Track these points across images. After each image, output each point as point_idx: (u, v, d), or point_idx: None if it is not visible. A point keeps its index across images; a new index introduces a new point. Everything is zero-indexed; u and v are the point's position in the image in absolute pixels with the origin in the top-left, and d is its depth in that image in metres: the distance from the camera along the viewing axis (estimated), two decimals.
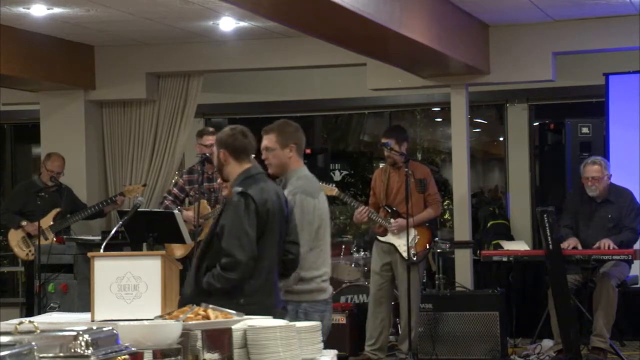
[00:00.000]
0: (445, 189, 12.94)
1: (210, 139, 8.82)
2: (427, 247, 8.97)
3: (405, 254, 8.78)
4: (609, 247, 8.81)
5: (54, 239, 9.53)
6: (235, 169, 5.46)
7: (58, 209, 9.74)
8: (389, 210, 8.97)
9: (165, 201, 9.08)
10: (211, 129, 8.98)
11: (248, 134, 5.50)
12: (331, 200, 12.02)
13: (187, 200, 9.20)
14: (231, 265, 5.20)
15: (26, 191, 9.99)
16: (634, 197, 9.24)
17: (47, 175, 9.98)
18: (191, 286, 5.37)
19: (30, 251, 9.66)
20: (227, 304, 4.84)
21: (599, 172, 9.01)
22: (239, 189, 5.30)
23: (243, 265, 5.19)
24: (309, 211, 5.83)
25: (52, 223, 9.69)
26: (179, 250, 8.87)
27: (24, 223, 9.73)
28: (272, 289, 5.43)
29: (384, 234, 8.99)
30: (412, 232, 8.72)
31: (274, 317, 4.39)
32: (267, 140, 5.86)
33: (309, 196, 5.85)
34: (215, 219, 5.41)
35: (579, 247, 8.95)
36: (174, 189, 9.11)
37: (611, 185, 9.21)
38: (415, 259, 8.72)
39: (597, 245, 8.88)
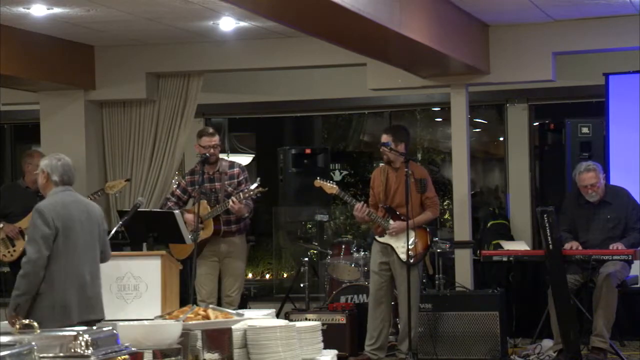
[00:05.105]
0: (445, 188, 12.95)
1: (208, 141, 8.83)
2: (425, 250, 8.96)
3: (402, 256, 8.77)
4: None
5: None
6: None
7: None
8: (387, 211, 8.95)
9: (169, 202, 9.05)
10: (211, 130, 8.96)
11: None
12: (331, 199, 12.07)
13: (190, 201, 9.19)
14: None
15: (10, 193, 9.95)
16: (630, 195, 9.24)
17: (35, 174, 9.89)
18: None
19: (8, 252, 9.59)
20: None
21: (595, 179, 9.01)
22: None
23: None
24: None
25: None
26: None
27: (0, 225, 9.65)
28: None
29: (382, 234, 8.98)
30: (411, 234, 8.71)
31: None
32: None
33: None
34: None
35: (580, 249, 8.95)
36: (177, 190, 9.08)
37: (606, 186, 9.22)
38: (412, 261, 8.72)
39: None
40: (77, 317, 6.06)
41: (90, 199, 9.78)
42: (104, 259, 6.33)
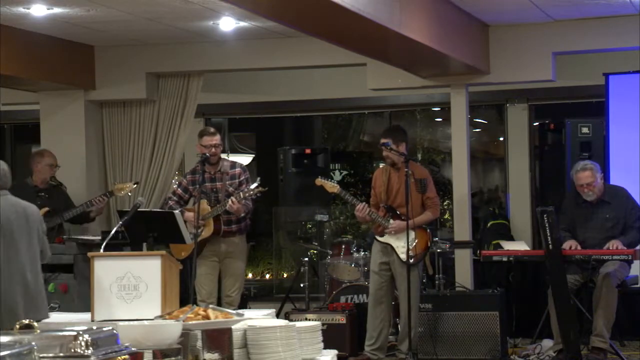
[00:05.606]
0: (445, 188, 12.95)
1: (209, 140, 8.83)
2: (425, 250, 8.96)
3: (402, 256, 8.77)
4: (617, 248, 8.82)
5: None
6: None
7: (46, 208, 9.67)
8: (387, 210, 8.95)
9: (170, 202, 9.05)
10: (212, 130, 8.97)
11: None
12: (331, 199, 12.07)
13: (191, 200, 9.19)
14: None
15: (18, 192, 9.93)
16: (629, 194, 9.24)
17: (44, 173, 9.89)
18: None
19: None
20: None
21: (591, 177, 9.00)
22: None
23: None
24: None
25: None
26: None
27: None
28: None
29: (383, 233, 8.98)
30: (411, 234, 8.71)
31: None
32: None
33: None
34: None
35: (579, 248, 8.95)
36: (178, 189, 9.07)
37: (605, 185, 9.22)
38: (412, 261, 8.72)
39: (606, 246, 8.87)
40: (23, 318, 6.20)
41: (98, 199, 9.80)
42: (43, 258, 6.51)
